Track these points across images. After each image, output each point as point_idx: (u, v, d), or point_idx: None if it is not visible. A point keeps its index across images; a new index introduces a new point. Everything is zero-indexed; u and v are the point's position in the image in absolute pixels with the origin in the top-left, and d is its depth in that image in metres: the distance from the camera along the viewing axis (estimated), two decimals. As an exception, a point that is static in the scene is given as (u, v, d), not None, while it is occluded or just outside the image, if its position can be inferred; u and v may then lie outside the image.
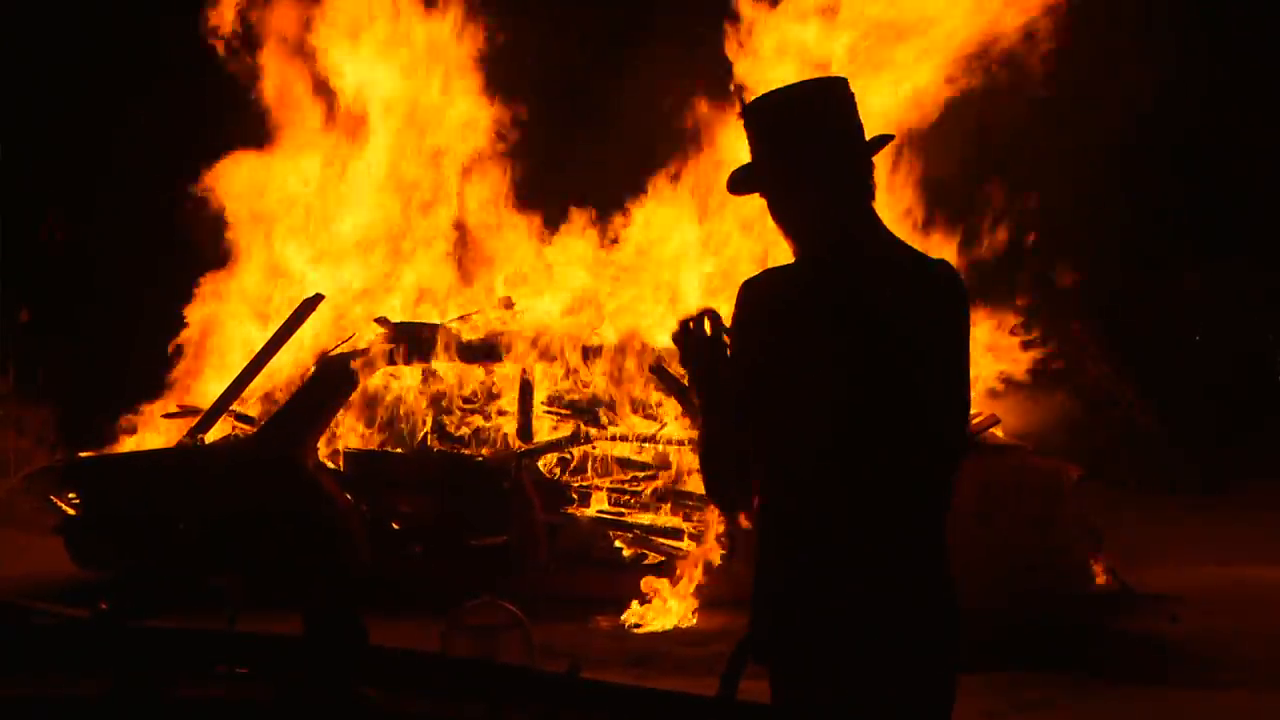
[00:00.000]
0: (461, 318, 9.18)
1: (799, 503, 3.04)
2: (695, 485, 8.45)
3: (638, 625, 7.95)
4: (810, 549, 3.03)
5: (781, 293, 3.11)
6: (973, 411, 8.38)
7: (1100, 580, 8.30)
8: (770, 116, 3.15)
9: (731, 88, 3.12)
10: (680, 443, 8.49)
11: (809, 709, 3.03)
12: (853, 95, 3.16)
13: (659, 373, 8.49)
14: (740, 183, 3.20)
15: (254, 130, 10.00)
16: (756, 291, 3.13)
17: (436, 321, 9.16)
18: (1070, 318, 10.65)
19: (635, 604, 8.02)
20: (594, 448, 8.61)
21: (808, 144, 3.10)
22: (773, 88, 3.21)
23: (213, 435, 9.01)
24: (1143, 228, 12.21)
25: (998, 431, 8.45)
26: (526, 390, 8.61)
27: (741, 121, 3.19)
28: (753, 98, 3.18)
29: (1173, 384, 13.70)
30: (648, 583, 8.08)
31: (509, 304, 9.24)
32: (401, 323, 8.99)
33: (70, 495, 8.70)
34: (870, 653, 2.98)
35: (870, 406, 3.00)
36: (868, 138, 3.15)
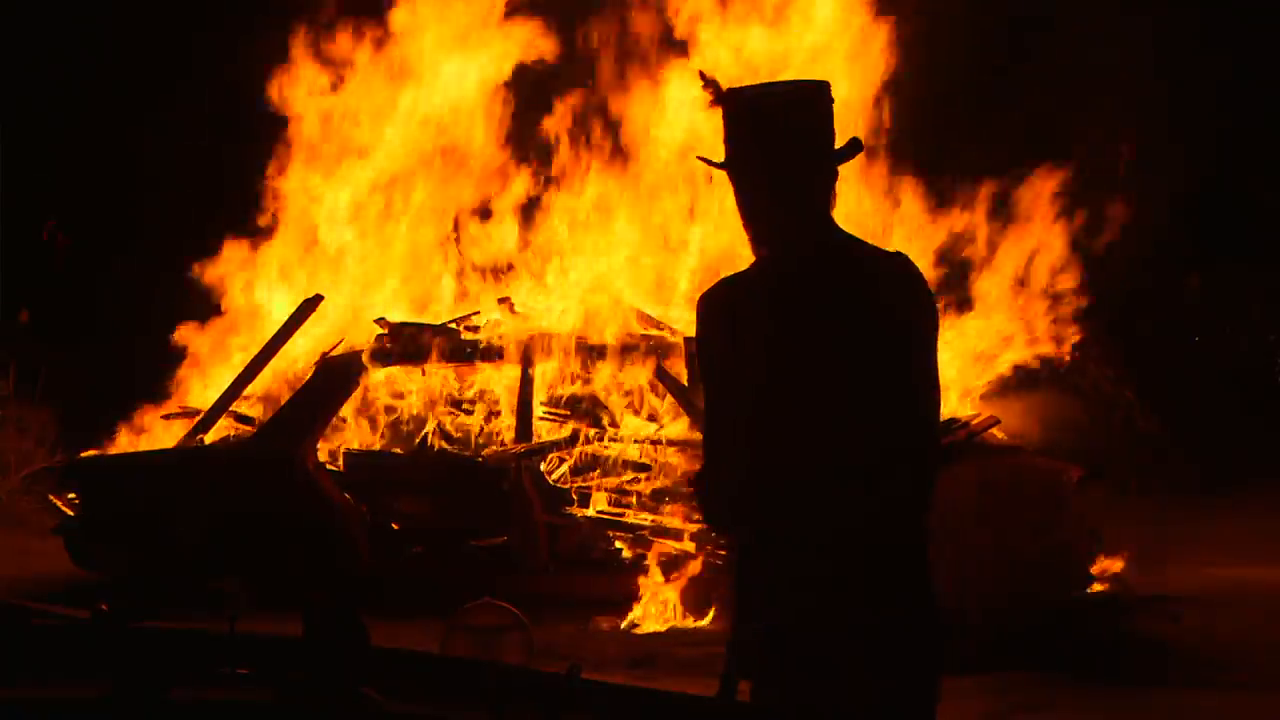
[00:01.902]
0: (462, 319, 9.17)
1: (781, 504, 3.05)
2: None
3: (638, 626, 7.95)
4: (791, 551, 3.03)
5: (746, 298, 3.12)
6: (973, 412, 8.43)
7: (1100, 581, 8.30)
8: (749, 107, 3.14)
9: (700, 73, 3.09)
10: (680, 443, 8.48)
11: (796, 710, 3.04)
12: (832, 101, 3.16)
13: (658, 372, 8.48)
14: (710, 160, 3.21)
15: (267, 134, 10.02)
16: (717, 302, 3.15)
17: (437, 322, 9.15)
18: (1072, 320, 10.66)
19: (635, 605, 8.01)
20: (593, 448, 8.60)
21: (780, 142, 3.09)
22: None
23: (213, 436, 9.01)
24: (1143, 228, 12.21)
25: (998, 432, 8.45)
26: (526, 391, 8.60)
27: (715, 105, 3.19)
28: (731, 86, 3.19)
29: (1173, 384, 13.69)
30: (648, 583, 8.07)
31: (509, 305, 9.23)
32: (402, 323, 8.98)
33: (70, 495, 8.71)
34: (853, 654, 2.99)
35: (852, 407, 3.01)
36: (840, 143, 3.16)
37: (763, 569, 3.08)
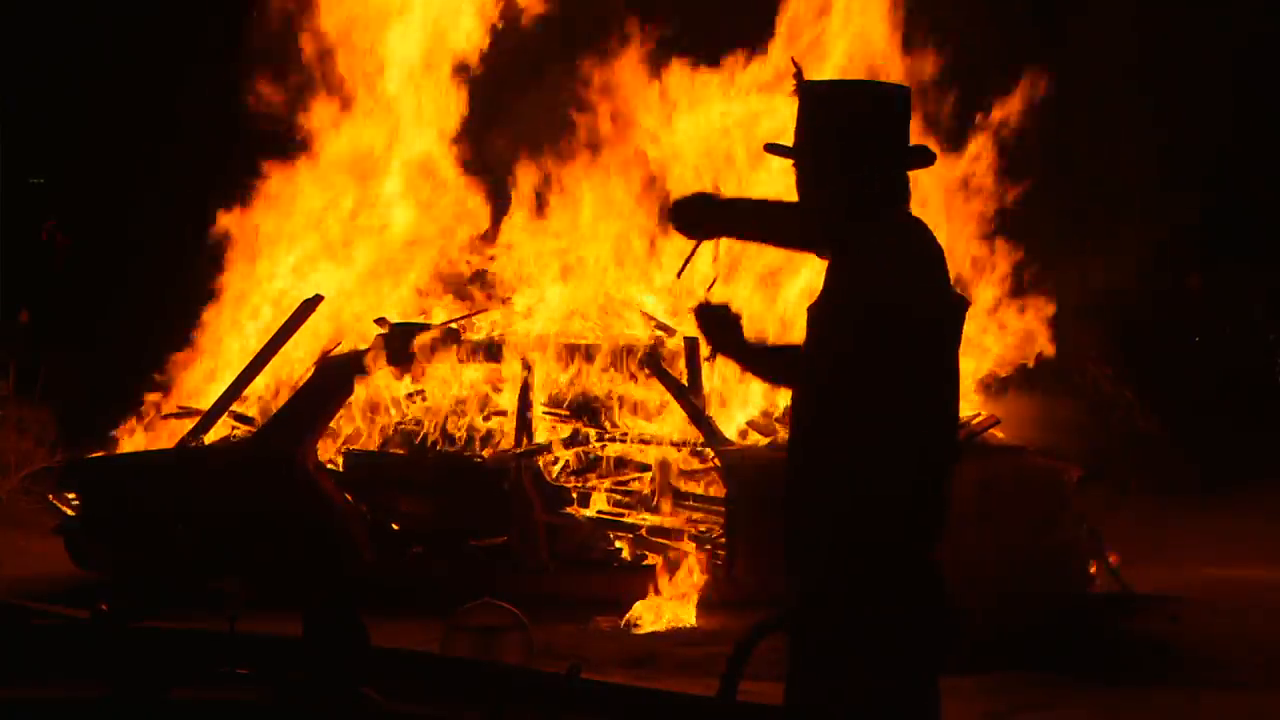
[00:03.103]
0: (462, 319, 9.17)
1: (797, 503, 3.06)
2: (694, 486, 8.44)
3: (638, 625, 7.95)
4: (804, 551, 3.04)
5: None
6: (973, 412, 8.43)
7: (1100, 581, 8.30)
8: (821, 99, 3.17)
9: (791, 59, 3.19)
10: (680, 443, 8.48)
11: (798, 710, 3.05)
12: (908, 107, 3.18)
13: (656, 370, 8.47)
14: (778, 148, 3.24)
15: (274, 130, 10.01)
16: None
17: (437, 322, 9.15)
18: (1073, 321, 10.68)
19: (635, 604, 8.01)
20: (593, 448, 8.60)
21: (841, 136, 3.12)
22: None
23: (212, 436, 9.01)
24: (1144, 229, 12.22)
25: (998, 432, 8.45)
26: (526, 391, 8.60)
27: (796, 92, 3.24)
28: (813, 78, 3.24)
29: (1173, 384, 13.69)
30: (647, 583, 8.07)
31: (508, 305, 9.23)
32: (402, 323, 8.98)
33: (70, 495, 8.70)
34: (857, 653, 3.00)
35: (858, 407, 3.02)
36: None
37: (841, 549, 3.10)
